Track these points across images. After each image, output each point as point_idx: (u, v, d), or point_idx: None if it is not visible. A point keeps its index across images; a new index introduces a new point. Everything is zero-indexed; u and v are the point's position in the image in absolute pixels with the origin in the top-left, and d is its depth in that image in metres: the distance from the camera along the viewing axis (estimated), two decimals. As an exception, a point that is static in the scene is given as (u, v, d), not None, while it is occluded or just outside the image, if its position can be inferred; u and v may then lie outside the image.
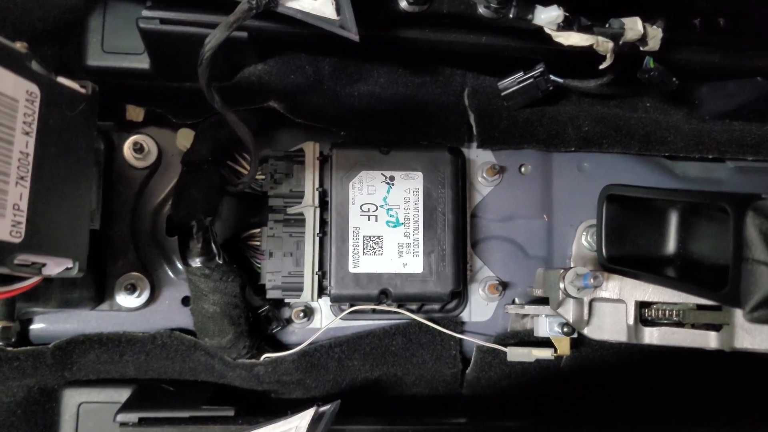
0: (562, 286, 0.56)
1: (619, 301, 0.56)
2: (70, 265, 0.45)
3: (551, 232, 0.77)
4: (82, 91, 0.46)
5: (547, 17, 0.57)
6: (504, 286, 0.75)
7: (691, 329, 0.54)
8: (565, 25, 0.58)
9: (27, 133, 0.40)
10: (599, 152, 0.76)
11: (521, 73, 0.74)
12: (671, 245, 0.53)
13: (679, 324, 0.55)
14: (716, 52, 0.74)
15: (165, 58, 0.69)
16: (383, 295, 0.68)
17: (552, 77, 0.73)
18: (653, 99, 0.83)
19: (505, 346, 0.70)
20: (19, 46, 0.41)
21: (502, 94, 0.75)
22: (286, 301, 0.71)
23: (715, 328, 0.53)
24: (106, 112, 0.68)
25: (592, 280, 0.53)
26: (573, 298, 0.56)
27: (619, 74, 0.72)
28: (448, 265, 0.69)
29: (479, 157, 0.76)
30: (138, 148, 0.70)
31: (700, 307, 0.54)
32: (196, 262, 0.64)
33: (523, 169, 0.77)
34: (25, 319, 0.69)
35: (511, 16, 0.58)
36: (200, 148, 0.67)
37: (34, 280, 0.47)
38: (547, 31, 0.58)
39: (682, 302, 0.54)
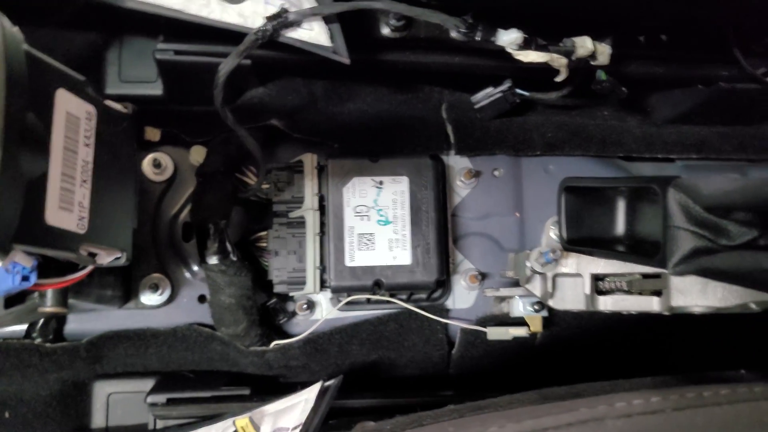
0: (528, 264, 0.65)
1: (577, 275, 0.66)
2: (119, 255, 0.55)
3: (523, 228, 0.86)
4: (125, 111, 0.56)
5: (508, 39, 0.67)
6: (483, 276, 0.84)
7: (638, 296, 0.64)
8: (524, 45, 0.68)
9: (87, 145, 0.50)
10: (562, 155, 0.86)
11: (491, 88, 0.83)
12: (620, 227, 0.63)
13: (627, 292, 0.65)
14: (660, 64, 0.84)
15: (177, 84, 0.78)
16: (377, 286, 0.77)
17: (518, 91, 0.83)
18: (610, 108, 0.93)
19: (485, 327, 0.80)
20: (78, 75, 0.51)
21: (475, 107, 0.84)
22: (291, 294, 0.80)
23: (658, 294, 0.63)
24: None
25: (551, 254, 0.63)
26: (539, 273, 0.66)
27: (578, 87, 0.82)
28: (433, 257, 0.78)
29: (457, 163, 0.86)
30: (156, 164, 0.79)
31: (645, 276, 0.64)
32: (213, 260, 0.73)
33: (496, 173, 0.87)
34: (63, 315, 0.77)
35: (477, 38, 0.68)
36: (213, 161, 0.76)
37: (86, 270, 0.57)
38: (509, 50, 0.69)
39: (629, 273, 0.64)
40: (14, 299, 0.60)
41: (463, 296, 0.84)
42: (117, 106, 0.55)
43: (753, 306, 0.57)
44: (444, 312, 0.83)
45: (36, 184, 0.45)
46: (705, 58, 0.85)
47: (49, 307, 0.58)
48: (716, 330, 0.83)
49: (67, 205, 0.47)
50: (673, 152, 0.87)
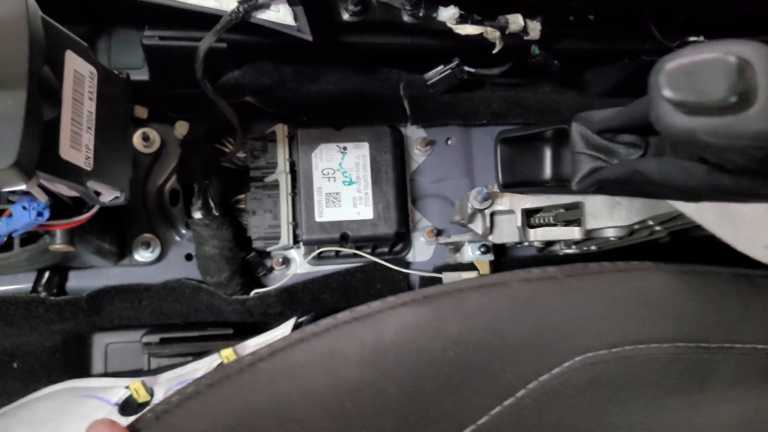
0: (469, 204, 0.76)
1: (510, 211, 0.76)
2: (118, 194, 0.64)
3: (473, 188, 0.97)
4: (122, 76, 0.66)
5: (447, 14, 0.78)
6: (439, 231, 0.94)
7: (563, 227, 0.75)
8: (461, 20, 0.79)
9: (91, 99, 0.60)
10: (506, 124, 0.97)
11: (442, 66, 0.94)
12: (547, 170, 0.73)
13: (553, 224, 0.76)
14: (589, 41, 0.95)
15: (162, 68, 0.87)
16: (343, 239, 0.88)
17: (465, 68, 0.93)
18: (551, 85, 1.05)
19: (441, 273, 0.90)
20: (82, 42, 0.61)
21: (428, 83, 0.94)
22: (268, 250, 0.90)
23: (578, 224, 0.74)
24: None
25: (485, 190, 0.74)
26: (478, 211, 0.76)
27: (517, 63, 0.93)
28: (392, 212, 0.88)
29: (414, 133, 0.97)
30: (145, 138, 0.89)
31: (567, 208, 0.75)
32: (198, 215, 0.83)
33: (449, 141, 0.98)
34: (66, 266, 0.86)
35: (421, 15, 0.79)
36: (196, 131, 0.87)
37: (90, 212, 0.67)
38: (449, 25, 0.79)
39: (555, 206, 0.75)
40: (27, 240, 0.70)
41: (422, 250, 0.95)
42: (114, 71, 0.65)
43: (652, 224, 0.68)
44: (406, 264, 0.93)
45: (51, 125, 0.55)
46: (629, 35, 0.96)
47: (58, 244, 0.68)
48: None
49: (76, 145, 0.57)
50: (603, 118, 0.99)
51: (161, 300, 0.88)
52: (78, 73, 0.59)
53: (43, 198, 0.59)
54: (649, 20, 0.93)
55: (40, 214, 0.61)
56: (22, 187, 0.53)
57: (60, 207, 0.65)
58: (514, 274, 0.49)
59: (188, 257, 0.90)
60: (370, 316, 0.46)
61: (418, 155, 0.96)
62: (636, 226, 0.69)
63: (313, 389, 0.44)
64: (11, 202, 0.62)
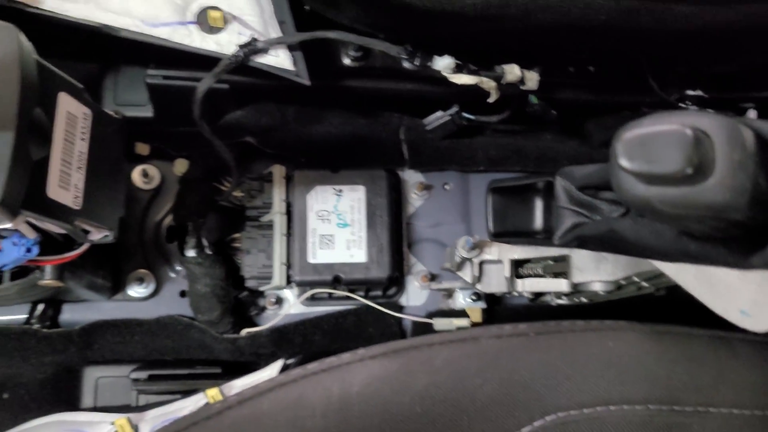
0: (457, 252, 0.76)
1: (499, 261, 0.77)
2: (107, 233, 0.65)
3: (470, 235, 0.97)
4: (116, 116, 0.68)
5: (443, 63, 0.79)
6: (433, 276, 0.94)
7: (551, 279, 0.75)
8: (457, 70, 0.80)
9: (83, 139, 0.61)
10: (504, 171, 0.98)
11: (441, 113, 0.94)
12: (538, 221, 0.74)
13: (541, 276, 0.76)
14: (589, 92, 0.96)
15: (165, 106, 0.88)
16: (336, 281, 0.88)
17: (464, 114, 0.94)
18: (552, 133, 1.05)
19: (432, 318, 0.90)
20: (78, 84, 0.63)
21: (427, 128, 0.95)
22: (261, 289, 0.90)
23: (566, 276, 0.73)
24: (121, 147, 0.88)
25: (471, 240, 0.74)
26: (467, 259, 0.77)
27: (516, 111, 0.94)
28: (386, 255, 0.89)
29: (411, 177, 0.97)
30: (145, 175, 0.90)
31: (555, 260, 0.74)
32: (191, 253, 0.84)
33: (446, 187, 0.98)
34: (60, 299, 0.87)
35: (417, 64, 0.80)
36: (194, 170, 0.88)
37: (80, 249, 0.68)
38: (444, 74, 0.80)
39: (543, 257, 0.75)
40: (19, 274, 0.71)
41: (416, 294, 0.95)
42: (110, 112, 0.67)
43: (637, 280, 0.68)
44: (399, 308, 0.93)
45: (40, 165, 0.56)
46: (629, 87, 0.96)
47: (47, 279, 0.69)
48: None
49: (64, 185, 0.58)
50: (600, 168, 0.99)
51: (153, 336, 0.88)
52: (71, 115, 0.60)
53: (31, 235, 0.61)
54: (648, 73, 0.93)
55: (28, 250, 0.62)
56: (8, 225, 0.54)
57: (51, 243, 0.66)
58: (486, 330, 0.49)
59: (182, 294, 0.91)
60: (339, 367, 0.47)
61: (415, 199, 0.97)
62: (622, 282, 0.69)
63: (278, 439, 0.44)
64: (2, 237, 0.63)
